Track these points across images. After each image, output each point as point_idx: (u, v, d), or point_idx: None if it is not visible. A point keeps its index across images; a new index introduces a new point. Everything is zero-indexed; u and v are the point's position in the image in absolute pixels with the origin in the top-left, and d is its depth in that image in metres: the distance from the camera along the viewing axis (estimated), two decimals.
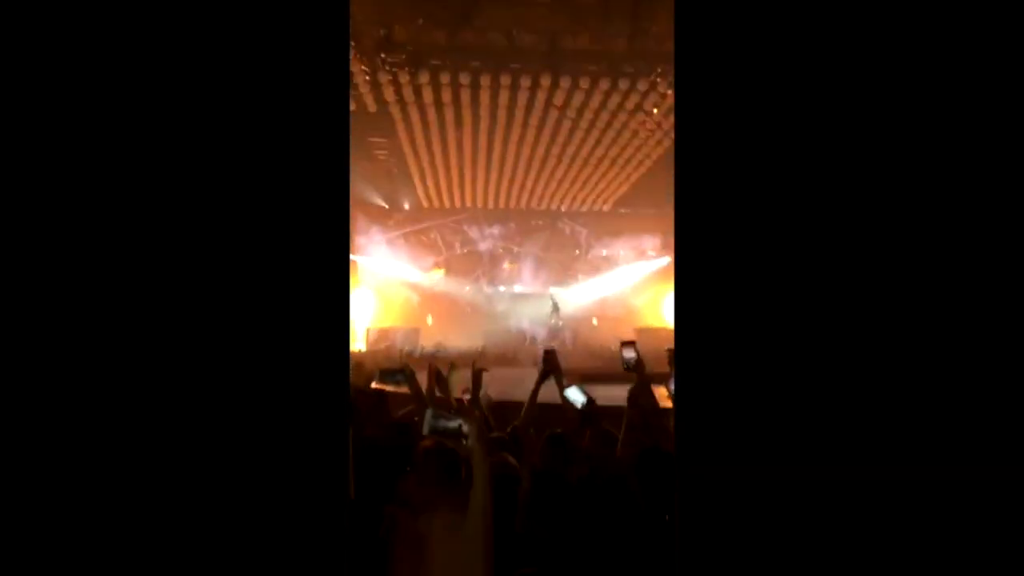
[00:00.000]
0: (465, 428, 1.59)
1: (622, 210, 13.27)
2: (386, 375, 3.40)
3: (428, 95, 7.95)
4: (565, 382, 2.55)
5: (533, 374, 2.76)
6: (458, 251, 14.19)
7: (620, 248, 13.89)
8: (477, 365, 2.90)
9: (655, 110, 8.29)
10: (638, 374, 2.50)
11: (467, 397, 3.37)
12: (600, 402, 2.73)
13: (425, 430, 1.64)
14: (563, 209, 13.67)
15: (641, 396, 2.35)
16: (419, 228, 13.74)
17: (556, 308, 13.31)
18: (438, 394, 3.42)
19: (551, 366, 2.66)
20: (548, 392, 2.74)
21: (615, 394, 2.82)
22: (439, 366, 3.26)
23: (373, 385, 3.59)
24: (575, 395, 2.42)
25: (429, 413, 1.68)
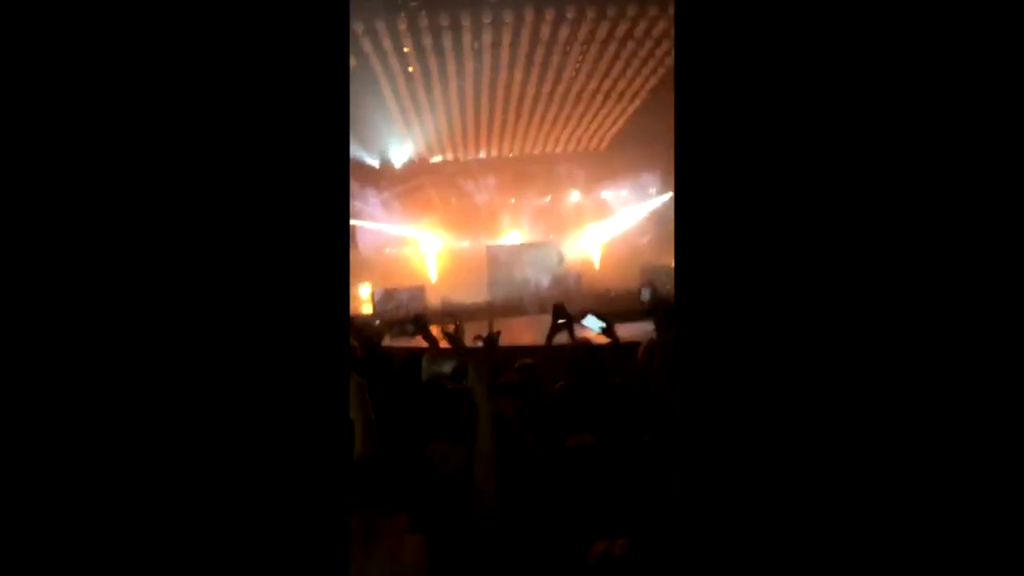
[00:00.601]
0: (462, 369, 1.59)
1: (619, 147, 13.00)
2: (395, 328, 3.44)
3: (408, 43, 7.65)
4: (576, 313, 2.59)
5: (539, 320, 2.95)
6: (455, 205, 14.01)
7: (620, 188, 13.66)
8: (494, 328, 2.94)
9: (647, 37, 7.95)
10: (656, 317, 2.59)
11: (477, 344, 3.48)
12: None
13: (424, 376, 1.66)
14: (558, 152, 13.40)
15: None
16: (413, 185, 13.52)
17: (562, 261, 13.27)
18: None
19: (561, 316, 2.78)
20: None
21: (621, 332, 2.93)
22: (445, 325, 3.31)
23: (385, 342, 3.58)
24: (592, 322, 2.50)
25: (425, 359, 1.70)
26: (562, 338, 2.85)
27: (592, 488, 1.55)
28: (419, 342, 3.02)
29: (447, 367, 1.65)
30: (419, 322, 2.99)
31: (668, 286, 8.61)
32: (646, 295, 2.62)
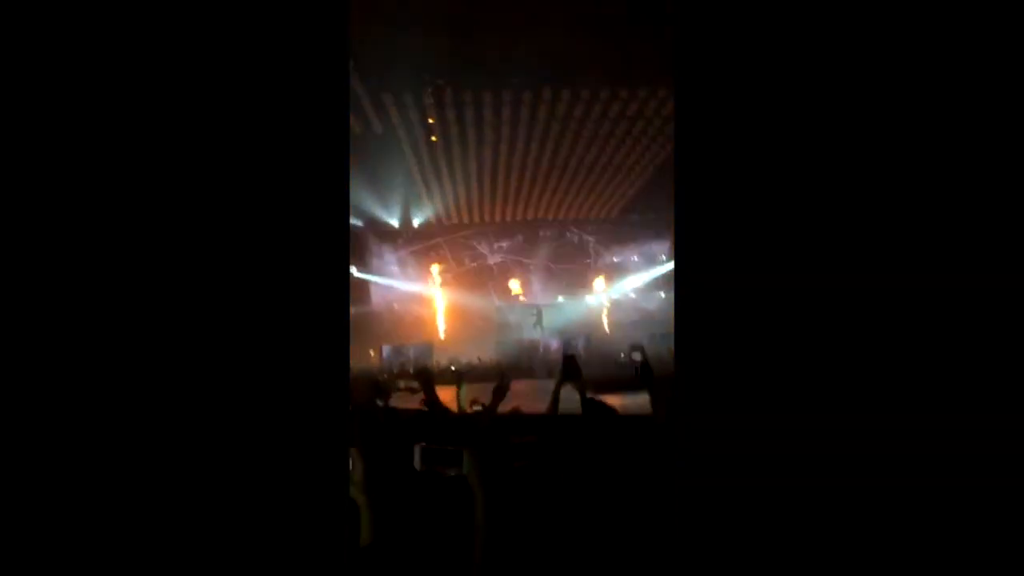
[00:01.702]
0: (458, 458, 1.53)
1: (629, 217, 13.31)
2: (403, 380, 3.37)
3: (433, 114, 8.08)
4: (635, 353, 2.54)
5: (548, 385, 2.69)
6: (468, 266, 14.26)
7: (629, 255, 13.93)
8: (503, 380, 2.82)
9: (656, 117, 8.35)
10: (644, 378, 2.49)
11: (476, 408, 3.34)
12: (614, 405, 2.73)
13: (417, 465, 1.58)
14: (570, 219, 13.72)
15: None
16: (429, 245, 13.83)
17: (540, 320, 13.43)
18: (457, 404, 3.40)
19: (571, 371, 2.61)
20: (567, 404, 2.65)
21: (626, 403, 2.78)
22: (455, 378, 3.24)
23: (393, 401, 3.60)
24: (637, 356, 2.48)
25: (417, 450, 1.60)
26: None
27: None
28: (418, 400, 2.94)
29: (442, 458, 1.54)
30: (424, 377, 2.90)
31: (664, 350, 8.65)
32: (636, 358, 2.40)
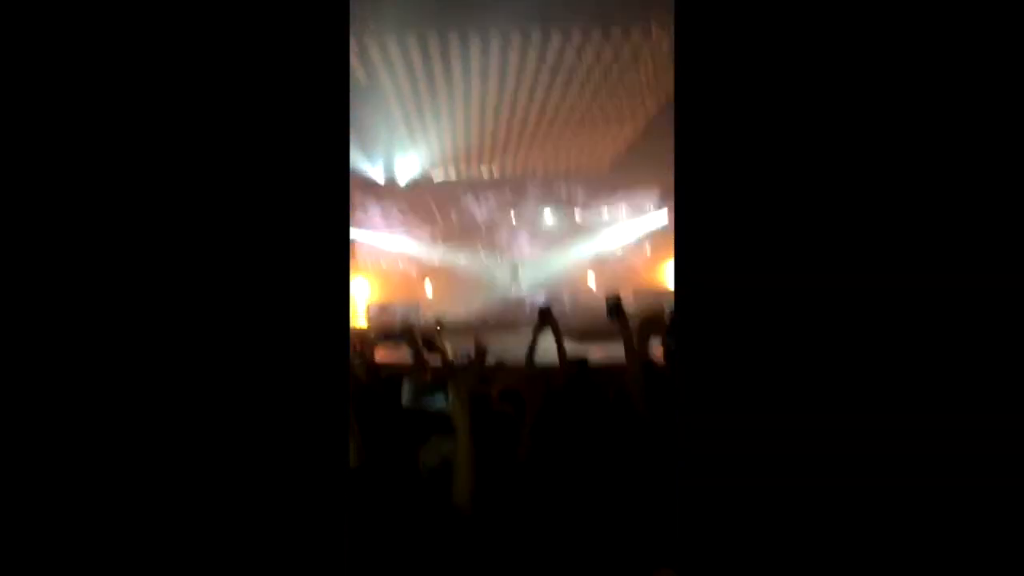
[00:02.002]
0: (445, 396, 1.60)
1: (619, 168, 13.17)
2: (388, 337, 3.48)
3: (418, 60, 7.79)
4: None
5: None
6: (455, 221, 14.10)
7: (618, 207, 13.82)
8: (479, 341, 2.90)
9: (649, 61, 8.13)
10: (619, 324, 2.53)
11: (461, 360, 3.43)
12: (596, 357, 2.82)
13: (405, 402, 1.69)
14: (559, 172, 13.56)
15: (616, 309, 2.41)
16: (415, 199, 13.61)
17: (516, 275, 13.43)
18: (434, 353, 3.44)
19: (547, 321, 2.68)
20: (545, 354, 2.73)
21: (612, 352, 2.82)
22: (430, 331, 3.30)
23: (377, 350, 3.62)
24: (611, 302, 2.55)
25: (406, 384, 1.72)
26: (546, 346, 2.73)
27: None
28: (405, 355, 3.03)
29: (427, 391, 1.61)
30: (409, 334, 3.00)
31: (655, 303, 8.69)
32: (611, 303, 2.51)
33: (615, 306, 2.53)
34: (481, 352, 2.71)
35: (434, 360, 3.24)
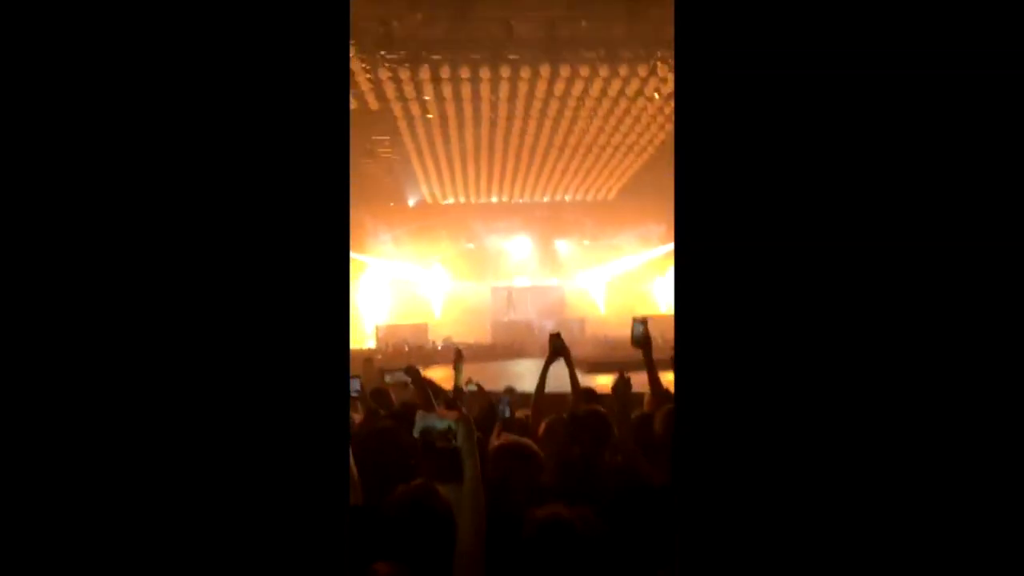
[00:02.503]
0: (454, 428, 1.63)
1: (626, 198, 13.27)
2: (391, 374, 3.49)
3: (429, 90, 7.98)
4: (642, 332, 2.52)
5: (541, 365, 2.74)
6: (463, 246, 14.23)
7: (626, 236, 13.90)
8: (456, 354, 2.99)
9: (656, 95, 8.28)
10: (644, 350, 2.52)
11: (470, 388, 3.49)
12: (604, 390, 2.68)
13: (416, 432, 1.69)
14: (567, 200, 13.68)
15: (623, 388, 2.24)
16: (424, 225, 13.77)
17: (511, 305, 13.49)
18: (454, 382, 3.50)
19: (558, 349, 2.64)
20: (556, 381, 2.73)
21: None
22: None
23: (384, 381, 3.66)
24: (639, 328, 2.51)
25: (419, 415, 1.72)
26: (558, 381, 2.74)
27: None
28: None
29: (439, 425, 1.66)
30: (413, 372, 2.97)
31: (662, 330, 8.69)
32: (638, 330, 2.43)
33: (643, 331, 2.46)
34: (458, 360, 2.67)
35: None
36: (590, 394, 2.90)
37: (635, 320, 2.54)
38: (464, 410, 1.89)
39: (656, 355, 2.60)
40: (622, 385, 2.17)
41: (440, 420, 1.66)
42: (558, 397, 2.83)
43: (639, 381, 2.43)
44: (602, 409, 2.18)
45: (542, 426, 2.36)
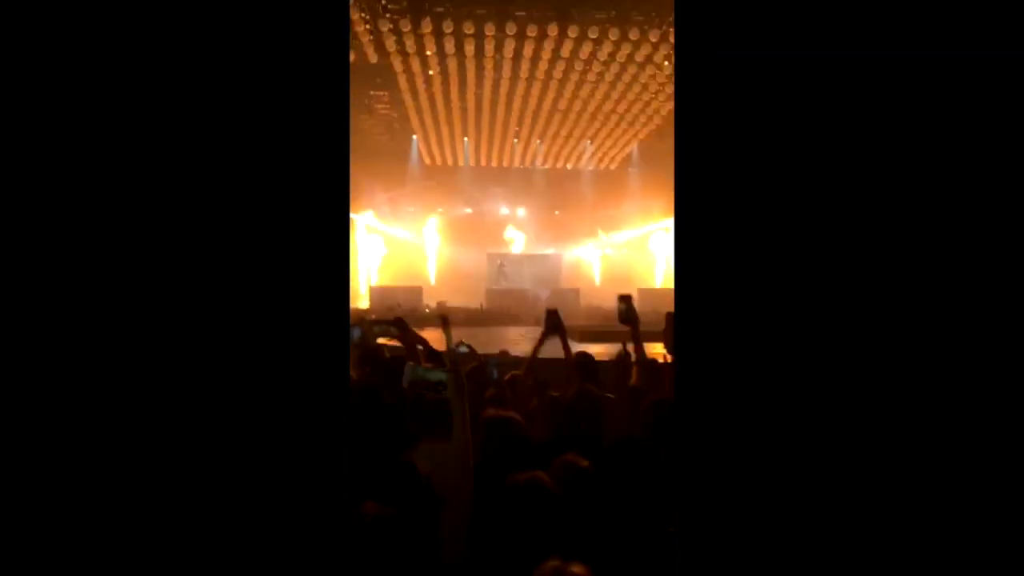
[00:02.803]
0: (445, 380, 1.66)
1: (629, 169, 13.07)
2: (379, 326, 3.46)
3: (430, 44, 7.72)
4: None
5: (535, 332, 2.81)
6: (461, 210, 14.07)
7: (626, 208, 13.75)
8: (443, 320, 3.07)
9: (666, 63, 8.03)
10: (631, 327, 2.55)
11: (462, 350, 3.52)
12: (600, 357, 2.81)
13: (405, 382, 1.71)
14: (569, 167, 13.48)
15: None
16: (422, 186, 13.58)
17: (503, 274, 13.47)
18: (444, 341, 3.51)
19: (554, 325, 2.69)
20: (550, 349, 2.76)
21: (611, 350, 2.90)
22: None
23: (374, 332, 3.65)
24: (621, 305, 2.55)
25: (409, 367, 1.75)
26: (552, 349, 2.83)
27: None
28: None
29: (430, 376, 1.68)
30: (400, 324, 2.95)
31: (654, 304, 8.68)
32: (622, 307, 2.54)
33: (627, 308, 2.50)
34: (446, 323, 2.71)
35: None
36: (585, 363, 2.89)
37: (619, 297, 2.55)
38: (453, 364, 1.91)
39: (648, 328, 2.62)
40: (627, 310, 2.42)
41: (431, 371, 1.69)
42: (551, 362, 2.87)
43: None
44: (595, 390, 2.17)
45: (534, 401, 2.40)
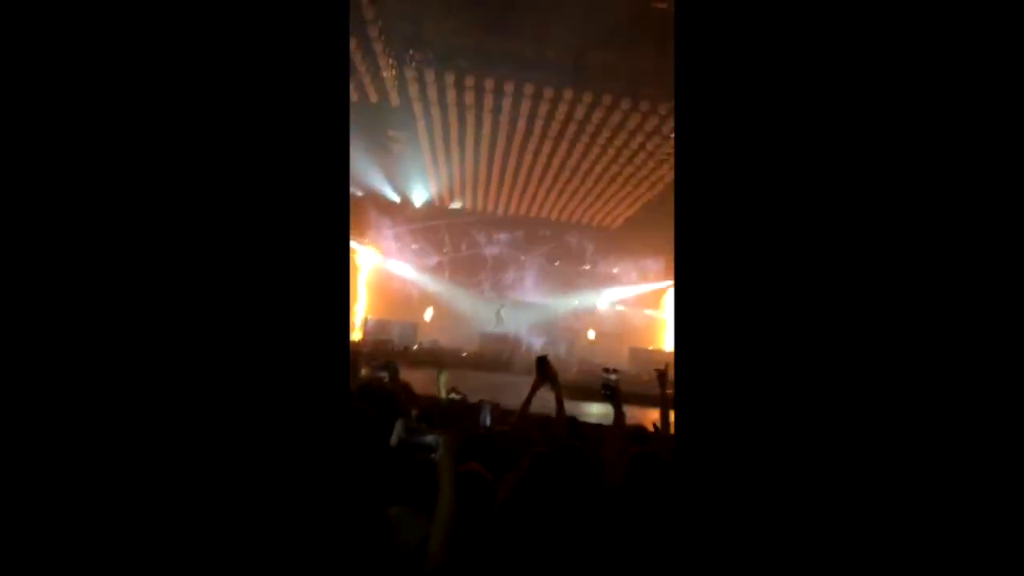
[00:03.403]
0: (435, 442, 1.60)
1: (630, 229, 13.33)
2: (374, 368, 3.41)
3: (452, 96, 8.04)
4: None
5: (526, 381, 2.73)
6: (464, 252, 14.24)
7: (624, 267, 13.97)
8: (438, 367, 2.96)
9: (672, 135, 8.36)
10: (614, 404, 2.50)
11: (455, 396, 3.41)
12: (582, 418, 2.76)
13: (393, 440, 1.65)
14: (572, 222, 13.73)
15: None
16: (428, 225, 13.80)
17: (500, 319, 13.59)
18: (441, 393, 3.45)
19: (546, 374, 2.61)
20: (540, 404, 2.71)
21: (596, 411, 2.84)
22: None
23: (361, 374, 3.63)
24: (612, 378, 2.49)
25: (400, 424, 1.67)
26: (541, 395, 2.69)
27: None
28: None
29: (425, 439, 1.62)
30: (392, 368, 2.92)
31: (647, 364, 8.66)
32: (612, 379, 2.48)
33: (543, 361, 2.49)
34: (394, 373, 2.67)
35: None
36: (574, 424, 2.88)
37: (605, 370, 2.55)
38: (447, 424, 1.85)
39: (642, 390, 2.58)
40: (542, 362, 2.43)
41: (424, 432, 1.63)
42: (541, 418, 2.81)
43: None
44: (584, 448, 2.18)
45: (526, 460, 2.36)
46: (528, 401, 2.64)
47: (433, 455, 1.58)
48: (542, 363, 2.64)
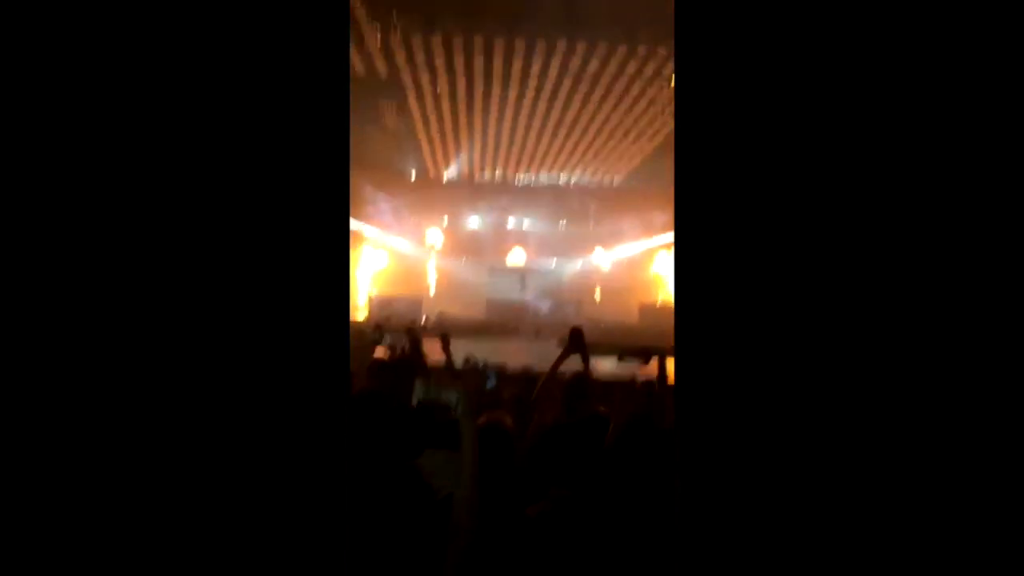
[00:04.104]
0: (456, 400, 1.66)
1: (632, 184, 13.12)
2: (391, 338, 3.46)
3: (441, 60, 7.76)
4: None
5: (534, 345, 2.85)
6: (464, 222, 14.08)
7: (630, 221, 13.78)
8: (443, 339, 3.04)
9: (673, 78, 8.08)
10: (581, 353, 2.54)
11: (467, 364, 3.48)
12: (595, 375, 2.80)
13: (415, 400, 1.73)
14: (573, 181, 13.52)
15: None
16: (426, 196, 13.60)
17: (524, 284, 13.51)
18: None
19: (577, 345, 2.63)
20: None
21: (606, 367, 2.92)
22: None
23: (377, 353, 3.60)
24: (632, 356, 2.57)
25: (419, 383, 1.77)
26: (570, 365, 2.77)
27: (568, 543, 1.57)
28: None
29: (440, 396, 1.68)
30: (414, 333, 2.95)
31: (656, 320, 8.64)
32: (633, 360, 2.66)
33: (577, 332, 2.51)
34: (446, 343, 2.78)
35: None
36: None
37: (629, 353, 2.63)
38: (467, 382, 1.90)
39: (654, 344, 2.66)
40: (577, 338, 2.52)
41: (443, 391, 1.73)
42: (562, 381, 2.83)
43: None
44: (602, 409, 2.17)
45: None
46: (554, 369, 2.67)
47: (455, 414, 1.63)
48: (576, 335, 2.65)
